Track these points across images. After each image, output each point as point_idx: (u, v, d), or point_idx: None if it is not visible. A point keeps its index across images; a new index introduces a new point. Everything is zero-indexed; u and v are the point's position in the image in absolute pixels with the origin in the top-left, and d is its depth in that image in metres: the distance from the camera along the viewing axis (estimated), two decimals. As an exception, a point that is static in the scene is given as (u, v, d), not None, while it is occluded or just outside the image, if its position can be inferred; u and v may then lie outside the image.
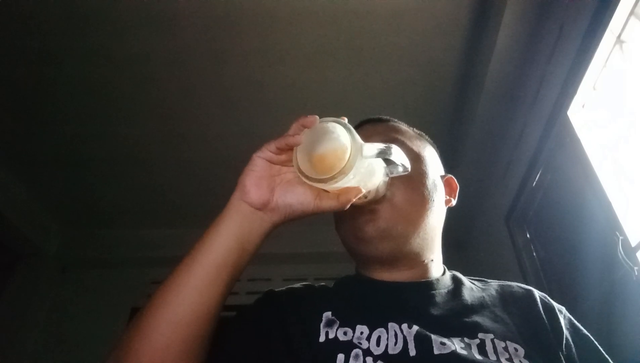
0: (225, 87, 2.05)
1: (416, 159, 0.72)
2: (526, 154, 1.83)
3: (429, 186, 0.70)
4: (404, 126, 0.81)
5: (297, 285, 0.75)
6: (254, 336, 0.63)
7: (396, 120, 0.82)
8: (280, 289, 0.73)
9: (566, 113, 1.52)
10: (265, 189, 0.58)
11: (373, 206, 0.65)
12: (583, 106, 1.50)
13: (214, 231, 0.60)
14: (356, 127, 0.80)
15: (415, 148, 0.75)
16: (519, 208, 1.94)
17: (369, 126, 0.79)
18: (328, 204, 0.57)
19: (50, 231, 2.81)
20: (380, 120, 0.81)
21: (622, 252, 1.20)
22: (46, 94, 2.05)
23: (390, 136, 0.74)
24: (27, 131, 2.24)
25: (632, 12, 1.25)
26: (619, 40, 1.32)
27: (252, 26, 1.80)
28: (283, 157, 0.60)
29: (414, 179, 0.69)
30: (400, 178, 0.63)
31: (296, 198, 0.58)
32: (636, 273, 1.15)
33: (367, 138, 0.71)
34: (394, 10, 1.74)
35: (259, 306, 0.69)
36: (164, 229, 2.89)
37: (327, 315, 0.62)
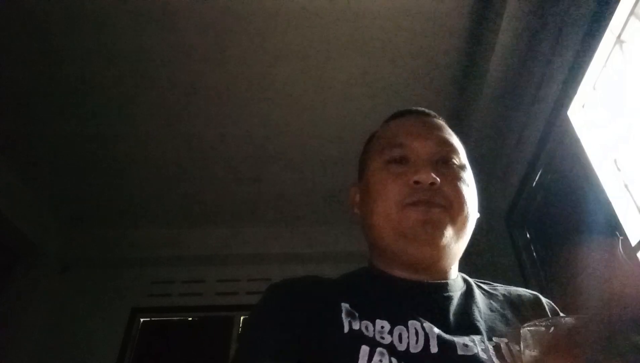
0: (225, 87, 2.05)
1: (465, 169, 0.70)
2: (526, 154, 1.83)
3: (474, 199, 0.69)
4: (446, 125, 0.76)
5: (301, 276, 0.71)
6: (280, 332, 0.59)
7: (437, 115, 0.77)
8: (285, 280, 0.69)
9: (566, 113, 1.52)
10: None
11: (429, 209, 0.62)
12: (583, 106, 1.50)
13: None
14: (399, 115, 0.77)
15: (463, 158, 0.72)
16: (519, 208, 1.94)
17: (418, 119, 0.75)
18: None
19: (50, 231, 2.81)
20: (426, 114, 0.76)
21: (622, 252, 1.20)
22: (46, 94, 2.05)
23: (445, 140, 0.70)
24: (27, 131, 2.23)
25: (632, 12, 1.25)
26: (619, 40, 1.31)
27: (252, 26, 1.80)
28: None
29: (465, 193, 0.66)
30: (454, 188, 0.62)
31: None
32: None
33: (416, 138, 0.69)
34: (394, 10, 1.74)
35: (273, 305, 0.64)
36: (164, 229, 2.89)
37: (346, 306, 0.60)
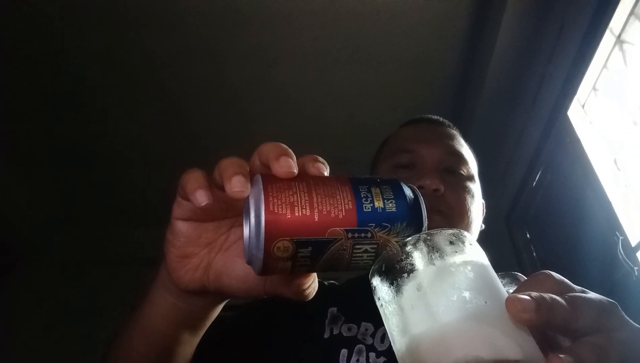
0: (225, 87, 2.05)
1: (472, 180, 0.71)
2: (526, 154, 1.83)
3: (477, 210, 0.70)
4: (459, 135, 0.77)
5: None
6: (260, 330, 0.64)
7: (452, 125, 0.79)
8: None
9: (566, 113, 1.52)
10: (198, 269, 0.40)
11: (429, 216, 0.64)
12: (583, 106, 1.50)
13: (146, 313, 0.46)
14: (412, 122, 0.79)
15: (472, 169, 0.73)
16: (519, 208, 1.94)
17: (429, 127, 0.77)
18: (284, 291, 0.39)
19: (50, 231, 2.81)
20: (439, 123, 0.78)
21: (622, 252, 1.20)
22: (46, 94, 2.05)
23: (454, 150, 0.72)
24: (27, 131, 2.23)
25: (632, 12, 1.25)
26: (619, 40, 1.31)
27: (252, 26, 1.80)
28: (218, 209, 0.39)
29: (468, 202, 0.67)
30: (457, 197, 0.63)
31: (236, 281, 0.39)
32: (636, 273, 1.15)
33: (424, 145, 0.71)
34: (394, 10, 1.74)
35: (264, 301, 0.69)
36: (164, 229, 2.89)
37: (332, 310, 0.62)
